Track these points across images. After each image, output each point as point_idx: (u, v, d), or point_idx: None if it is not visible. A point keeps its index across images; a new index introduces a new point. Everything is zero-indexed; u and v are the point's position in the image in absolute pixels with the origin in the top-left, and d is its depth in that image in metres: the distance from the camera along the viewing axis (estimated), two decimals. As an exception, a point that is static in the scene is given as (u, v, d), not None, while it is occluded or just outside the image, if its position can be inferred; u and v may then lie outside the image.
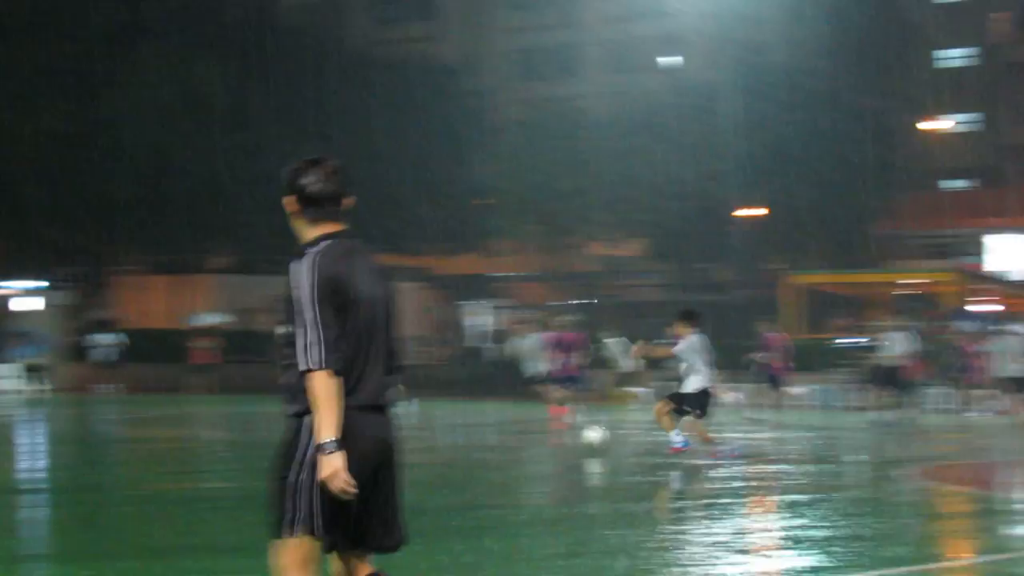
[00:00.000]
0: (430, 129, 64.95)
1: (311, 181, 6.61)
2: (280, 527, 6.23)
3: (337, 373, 6.18)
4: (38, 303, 46.07)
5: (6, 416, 31.14)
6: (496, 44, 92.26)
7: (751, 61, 60.14)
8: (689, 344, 19.56)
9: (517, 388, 37.15)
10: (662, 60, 76.44)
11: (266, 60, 60.46)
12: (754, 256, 62.77)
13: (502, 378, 48.66)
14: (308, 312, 6.26)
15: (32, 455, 22.14)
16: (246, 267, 64.70)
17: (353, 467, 6.16)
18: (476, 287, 70.27)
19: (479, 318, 62.05)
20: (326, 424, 6.13)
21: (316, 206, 6.60)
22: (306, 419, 6.23)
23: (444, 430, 29.87)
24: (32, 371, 42.85)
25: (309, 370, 6.16)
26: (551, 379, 31.01)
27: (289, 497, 6.21)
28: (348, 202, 6.65)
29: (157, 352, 52.43)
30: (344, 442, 6.14)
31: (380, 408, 6.38)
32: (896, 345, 32.43)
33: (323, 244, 6.51)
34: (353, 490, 6.12)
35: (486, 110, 71.01)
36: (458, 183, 66.62)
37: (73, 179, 55.07)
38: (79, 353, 52.09)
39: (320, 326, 6.22)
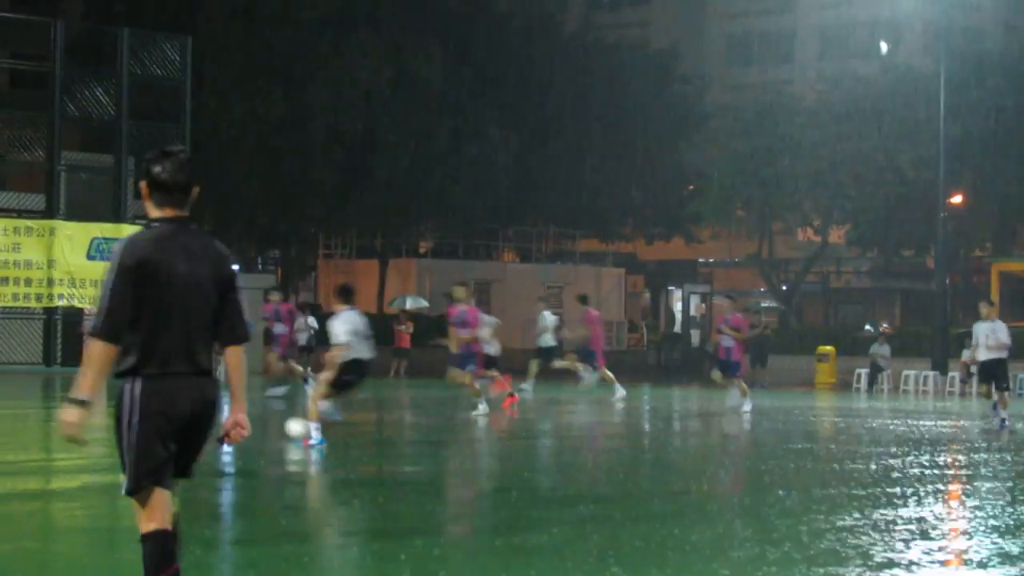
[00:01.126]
0: (641, 115, 64.72)
1: (160, 170, 7.21)
2: (125, 487, 7.09)
3: (109, 342, 6.95)
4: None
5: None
6: (709, 29, 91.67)
7: (965, 47, 58.80)
8: (344, 319, 18.65)
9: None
10: (874, 45, 75.03)
11: (478, 45, 60.72)
12: (960, 243, 61.45)
13: (703, 364, 48.24)
14: (106, 285, 7.03)
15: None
16: (451, 251, 65.13)
17: (161, 422, 6.98)
18: (682, 273, 69.83)
19: (686, 304, 61.64)
20: (81, 382, 6.99)
21: (162, 192, 7.21)
22: (124, 383, 7.07)
23: (643, 415, 29.59)
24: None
25: (90, 334, 7.01)
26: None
27: (120, 458, 7.10)
28: (194, 191, 7.27)
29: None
30: (152, 400, 6.97)
31: (180, 374, 7.06)
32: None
33: (150, 227, 7.21)
34: (82, 442, 7.10)
35: (697, 96, 70.52)
36: (667, 169, 66.26)
37: (283, 163, 55.91)
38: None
39: (108, 299, 6.99)
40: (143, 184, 7.27)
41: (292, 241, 62.37)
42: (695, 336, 60.09)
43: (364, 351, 18.78)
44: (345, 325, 18.53)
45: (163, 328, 7.06)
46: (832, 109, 59.39)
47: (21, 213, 44.20)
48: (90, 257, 43.40)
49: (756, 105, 62.00)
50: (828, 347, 49.41)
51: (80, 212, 44.67)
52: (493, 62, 61.33)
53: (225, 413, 7.31)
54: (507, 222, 65.74)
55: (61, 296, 41.86)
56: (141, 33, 47.51)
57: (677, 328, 64.44)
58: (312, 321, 46.38)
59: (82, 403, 7.01)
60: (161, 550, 7.05)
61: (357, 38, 56.87)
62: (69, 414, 7.00)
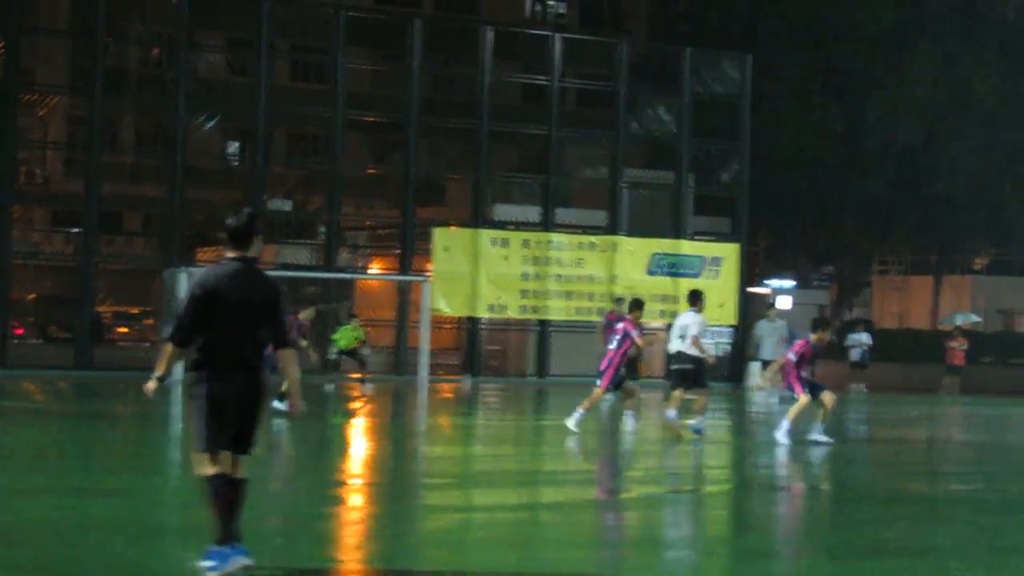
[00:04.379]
0: None
1: (229, 222, 10.16)
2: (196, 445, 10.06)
3: (177, 345, 10.05)
4: (787, 302, 46.94)
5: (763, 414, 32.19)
6: None
7: None
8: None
9: None
10: None
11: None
12: None
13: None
14: (182, 303, 10.07)
15: (776, 453, 22.82)
16: (1007, 267, 63.49)
17: (220, 402, 9.87)
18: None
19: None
20: (158, 366, 10.25)
21: (232, 239, 10.14)
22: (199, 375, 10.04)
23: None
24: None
25: (165, 338, 10.41)
26: None
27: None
28: (256, 239, 10.16)
29: (911, 352, 52.37)
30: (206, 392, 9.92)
31: (235, 370, 9.92)
32: None
33: (221, 263, 10.14)
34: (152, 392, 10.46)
35: None
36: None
37: (840, 180, 55.94)
38: (832, 351, 52.71)
39: (180, 315, 10.03)
40: (226, 234, 10.17)
41: (846, 257, 62.23)
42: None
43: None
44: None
45: (221, 336, 9.92)
46: None
47: (585, 229, 46.08)
48: (650, 272, 44.85)
49: None
50: None
51: (641, 228, 46.24)
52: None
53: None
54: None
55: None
56: (703, 52, 48.76)
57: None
58: (866, 337, 46.38)
59: (158, 379, 10.28)
60: (224, 484, 9.90)
61: (916, 52, 56.27)
62: (148, 385, 10.42)
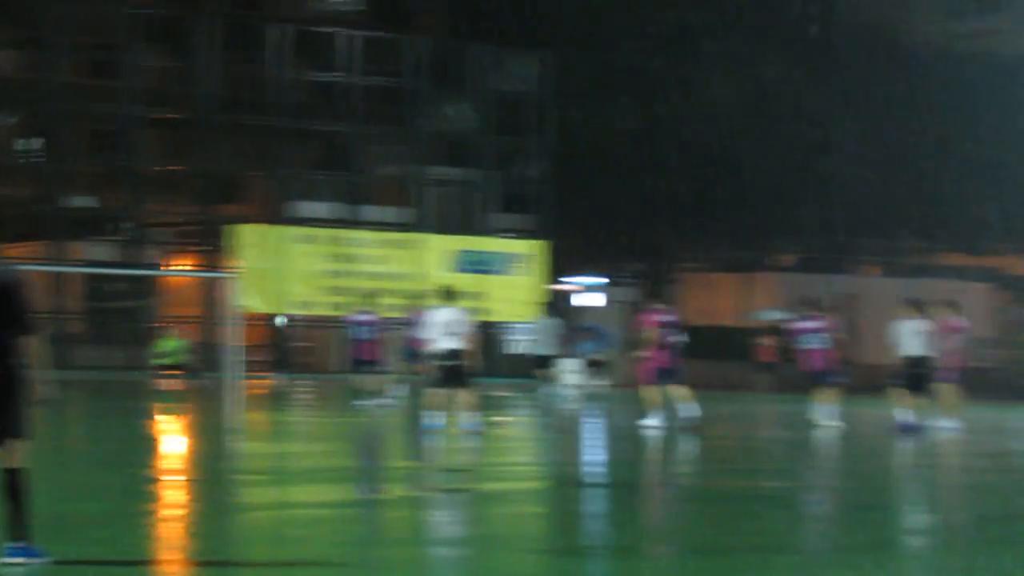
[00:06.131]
0: (999, 126, 63.04)
1: None
2: None
3: None
4: (599, 299, 47.23)
5: (569, 410, 32.16)
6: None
7: None
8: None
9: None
10: None
11: (828, 56, 60.11)
12: None
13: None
14: None
15: (592, 450, 22.76)
16: (808, 265, 64.59)
17: None
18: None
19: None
20: None
21: None
22: None
23: (992, 436, 28.75)
24: (594, 366, 43.98)
25: None
26: None
27: None
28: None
29: (720, 350, 52.93)
30: None
31: None
32: None
33: None
34: None
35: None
36: (1025, 181, 64.35)
37: (639, 177, 56.37)
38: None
39: None
40: None
41: (652, 255, 62.73)
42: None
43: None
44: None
45: None
46: None
47: (390, 226, 45.76)
48: (457, 270, 44.67)
49: None
50: None
51: (446, 225, 46.06)
52: (845, 73, 60.59)
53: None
54: (869, 235, 64.78)
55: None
56: (494, 49, 48.73)
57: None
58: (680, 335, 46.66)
59: None
60: None
61: (706, 53, 56.96)
62: None
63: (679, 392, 24.51)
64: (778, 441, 25.98)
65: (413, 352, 34.03)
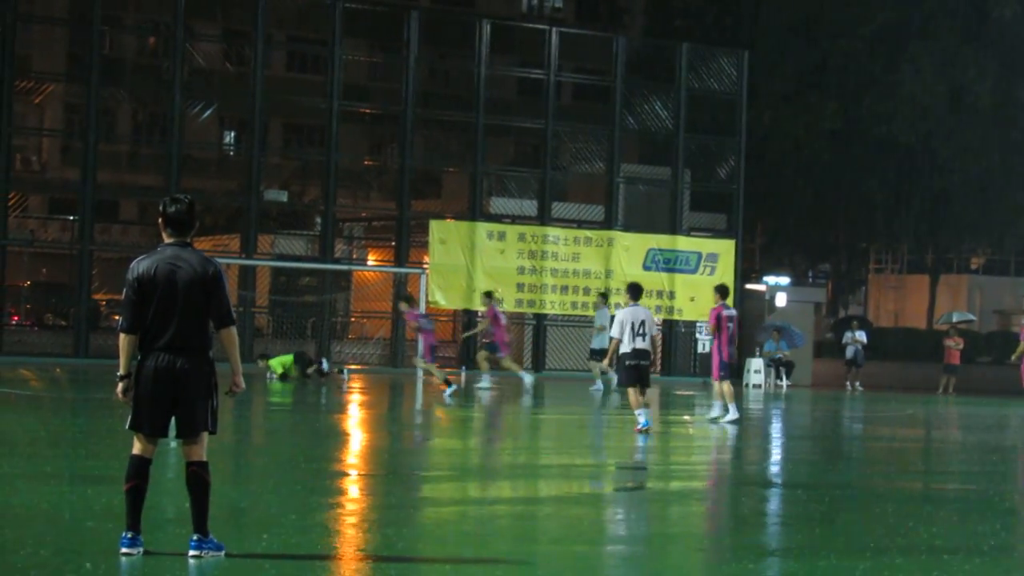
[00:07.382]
0: None
1: (170, 209, 9.92)
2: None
3: (129, 332, 9.81)
4: (785, 299, 46.99)
5: (750, 410, 32.15)
6: None
7: None
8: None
9: None
10: None
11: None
12: None
13: None
14: (125, 293, 9.86)
15: (772, 450, 22.79)
16: (1004, 268, 63.51)
17: (149, 383, 9.76)
18: None
19: None
20: (120, 363, 9.87)
21: (170, 225, 9.94)
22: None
23: None
24: (777, 366, 43.83)
25: (118, 330, 10.29)
26: None
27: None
28: (195, 226, 10.00)
29: (906, 350, 52.43)
30: (139, 371, 9.79)
31: (170, 349, 9.72)
32: None
33: (157, 249, 9.97)
34: (124, 399, 9.89)
35: None
36: None
37: (836, 177, 55.92)
38: (827, 349, 52.88)
39: (124, 305, 9.87)
40: (160, 219, 10.00)
41: (842, 255, 62.24)
42: None
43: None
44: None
45: (159, 318, 9.76)
46: None
47: (581, 224, 46.06)
48: (646, 268, 44.88)
49: None
50: None
51: (637, 223, 46.22)
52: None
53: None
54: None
55: (617, 306, 43.53)
56: (700, 47, 48.74)
57: None
58: (861, 335, 46.37)
59: (121, 377, 9.90)
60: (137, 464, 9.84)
61: (910, 52, 56.27)
62: (118, 385, 9.92)
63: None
64: (961, 444, 25.76)
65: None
